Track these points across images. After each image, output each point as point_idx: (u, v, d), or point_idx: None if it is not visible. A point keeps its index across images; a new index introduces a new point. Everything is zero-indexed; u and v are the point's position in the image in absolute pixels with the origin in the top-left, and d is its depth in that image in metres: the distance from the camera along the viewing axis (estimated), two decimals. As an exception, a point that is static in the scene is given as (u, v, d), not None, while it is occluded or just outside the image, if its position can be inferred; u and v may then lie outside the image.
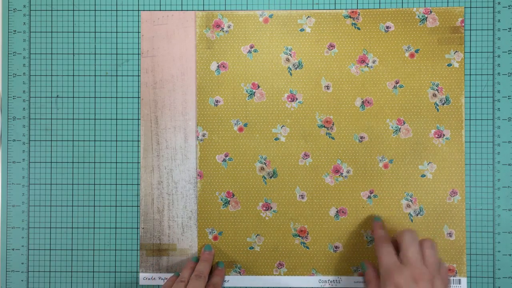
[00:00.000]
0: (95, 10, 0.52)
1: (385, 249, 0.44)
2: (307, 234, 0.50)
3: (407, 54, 0.50)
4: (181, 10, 0.51)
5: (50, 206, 0.51)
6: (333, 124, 0.50)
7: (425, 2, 0.50)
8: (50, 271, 0.51)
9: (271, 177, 0.51)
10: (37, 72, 0.51)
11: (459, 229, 0.50)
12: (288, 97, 0.51)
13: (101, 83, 0.51)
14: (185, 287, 0.44)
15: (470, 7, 0.50)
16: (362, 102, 0.50)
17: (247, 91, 0.51)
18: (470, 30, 0.50)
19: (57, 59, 0.51)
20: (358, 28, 0.50)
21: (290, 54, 0.51)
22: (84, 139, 0.51)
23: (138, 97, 0.51)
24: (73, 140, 0.51)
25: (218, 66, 0.51)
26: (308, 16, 0.51)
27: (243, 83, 0.51)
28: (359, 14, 0.51)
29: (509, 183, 0.50)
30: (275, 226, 0.51)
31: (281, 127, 0.51)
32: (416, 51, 0.50)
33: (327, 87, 0.51)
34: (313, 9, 0.51)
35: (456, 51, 0.50)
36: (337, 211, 0.50)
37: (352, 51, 0.50)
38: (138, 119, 0.51)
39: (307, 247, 0.50)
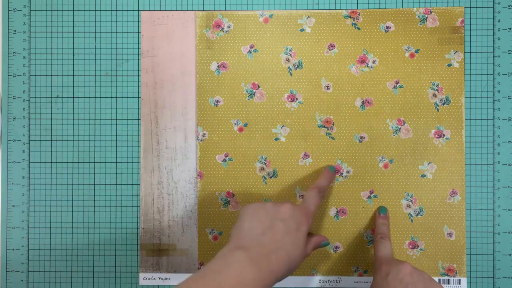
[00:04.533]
0: (95, 10, 0.51)
1: (383, 244, 0.45)
2: (307, 234, 0.50)
3: (407, 54, 0.50)
4: (181, 10, 0.51)
5: (50, 206, 0.51)
6: (333, 124, 0.50)
7: (425, 2, 0.50)
8: (50, 271, 0.51)
9: (271, 177, 0.51)
10: (37, 72, 0.51)
11: (459, 229, 0.50)
12: (288, 97, 0.51)
13: (101, 83, 0.51)
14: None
15: (470, 7, 0.50)
16: (362, 102, 0.50)
17: (247, 91, 0.51)
18: (470, 30, 0.50)
19: (57, 59, 0.51)
20: (358, 28, 0.50)
21: (290, 54, 0.51)
22: (84, 139, 0.51)
23: (138, 97, 0.51)
24: (73, 140, 0.51)
25: (218, 66, 0.51)
26: (308, 16, 0.51)
27: (243, 83, 0.51)
28: (359, 14, 0.50)
29: (509, 183, 0.50)
30: (275, 226, 0.50)
31: (281, 127, 0.51)
32: (416, 51, 0.50)
33: (327, 87, 0.51)
34: (313, 9, 0.51)
35: (456, 51, 0.50)
36: (337, 211, 0.50)
37: (352, 51, 0.50)
38: (138, 119, 0.51)
39: (307, 247, 0.50)
